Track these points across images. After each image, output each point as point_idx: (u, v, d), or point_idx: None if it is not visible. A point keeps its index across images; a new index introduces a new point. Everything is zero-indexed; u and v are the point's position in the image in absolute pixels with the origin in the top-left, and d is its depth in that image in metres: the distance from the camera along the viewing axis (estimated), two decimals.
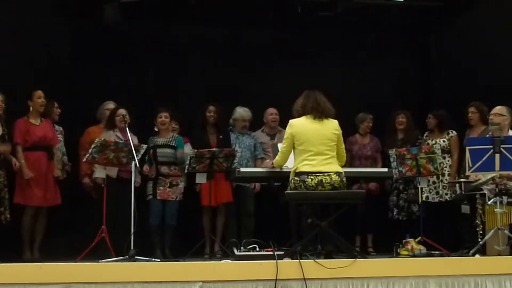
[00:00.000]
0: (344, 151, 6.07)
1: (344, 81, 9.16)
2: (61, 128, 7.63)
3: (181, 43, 9.12)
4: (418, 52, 9.84)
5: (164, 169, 7.32)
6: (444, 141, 7.74)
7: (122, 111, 7.16)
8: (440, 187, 7.65)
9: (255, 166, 7.64)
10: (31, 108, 7.05)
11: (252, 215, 7.68)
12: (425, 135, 7.97)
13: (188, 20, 8.97)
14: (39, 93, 7.07)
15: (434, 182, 7.66)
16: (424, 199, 7.52)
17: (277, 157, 6.10)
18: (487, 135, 6.67)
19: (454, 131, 7.78)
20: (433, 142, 7.74)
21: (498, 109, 6.75)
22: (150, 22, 9.06)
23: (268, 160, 6.53)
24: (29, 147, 6.92)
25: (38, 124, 7.05)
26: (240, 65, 9.13)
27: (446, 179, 7.63)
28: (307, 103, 5.92)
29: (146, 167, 7.19)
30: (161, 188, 7.27)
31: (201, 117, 7.70)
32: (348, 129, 7.95)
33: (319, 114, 5.86)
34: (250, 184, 7.70)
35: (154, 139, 7.41)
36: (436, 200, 7.64)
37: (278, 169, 6.25)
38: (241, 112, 7.90)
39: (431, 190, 7.66)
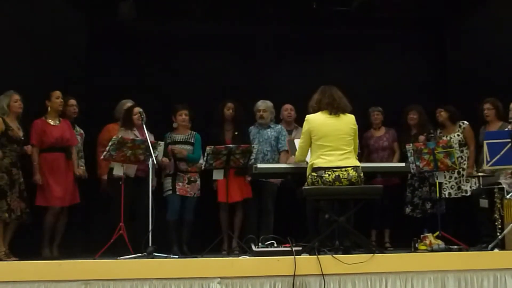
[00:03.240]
0: (358, 146, 6.05)
1: (359, 76, 9.13)
2: (81, 131, 7.64)
3: (195, 40, 9.10)
4: (432, 46, 9.77)
5: (182, 165, 7.37)
6: (458, 135, 7.69)
7: (138, 109, 7.20)
8: (462, 182, 7.59)
9: (279, 159, 7.62)
10: (49, 109, 7.08)
11: (271, 212, 7.58)
12: (438, 132, 7.93)
13: (203, 17, 8.96)
14: (57, 93, 7.10)
15: (455, 178, 7.61)
16: (446, 195, 7.51)
17: (296, 153, 6.11)
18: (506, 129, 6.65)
19: (465, 122, 7.73)
20: (448, 138, 7.68)
21: None
22: (164, 19, 9.08)
23: (292, 157, 6.47)
24: (47, 149, 6.96)
25: (55, 124, 7.08)
26: (254, 61, 9.14)
27: (464, 174, 7.58)
28: (323, 99, 5.91)
29: (165, 159, 7.23)
30: (180, 184, 7.31)
31: (219, 114, 7.71)
32: (363, 124, 7.97)
33: (335, 109, 5.85)
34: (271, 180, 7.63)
35: (172, 135, 7.45)
36: (459, 195, 7.56)
37: (295, 165, 6.25)
38: (258, 103, 7.86)
39: (452, 186, 7.60)
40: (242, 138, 7.56)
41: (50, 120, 7.06)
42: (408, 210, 7.90)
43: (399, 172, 7.33)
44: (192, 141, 7.49)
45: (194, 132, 7.61)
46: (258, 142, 7.57)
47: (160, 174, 7.43)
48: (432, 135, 7.87)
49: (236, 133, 7.62)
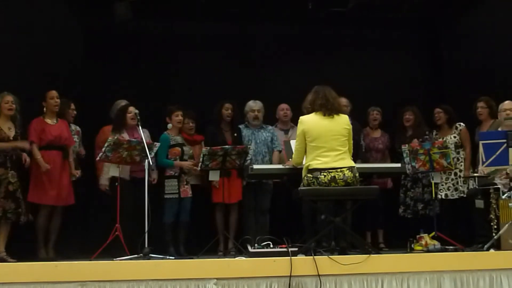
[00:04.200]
0: (352, 146, 6.03)
1: (354, 76, 9.16)
2: (78, 128, 7.65)
3: (192, 40, 9.12)
4: (428, 47, 9.80)
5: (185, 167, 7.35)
6: (455, 137, 7.69)
7: (133, 109, 7.19)
8: (459, 183, 7.60)
9: (272, 158, 7.62)
10: (45, 109, 7.08)
11: (267, 211, 7.59)
12: (434, 133, 7.93)
13: (199, 17, 8.98)
14: (52, 93, 7.10)
15: (452, 179, 7.62)
16: (443, 197, 7.52)
17: (293, 156, 6.09)
18: (499, 129, 6.66)
19: (462, 123, 7.74)
20: (444, 140, 7.69)
21: (508, 103, 6.76)
22: (160, 19, 9.08)
23: (290, 160, 6.46)
24: (44, 146, 6.95)
25: (53, 124, 7.08)
26: (250, 62, 9.14)
27: (461, 175, 7.59)
28: (316, 100, 5.90)
29: (190, 163, 7.26)
30: (182, 186, 7.29)
31: (217, 114, 7.70)
32: (360, 124, 7.98)
33: (329, 110, 5.83)
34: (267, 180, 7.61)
35: (173, 137, 7.39)
36: (456, 196, 7.58)
37: (291, 166, 6.26)
38: (250, 103, 7.85)
39: (449, 188, 7.61)
40: (240, 139, 7.58)
41: (48, 120, 7.06)
42: (400, 210, 7.91)
43: (395, 173, 7.35)
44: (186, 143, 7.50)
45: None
46: (256, 144, 7.58)
47: (162, 174, 7.37)
48: (427, 137, 7.88)
49: (235, 134, 7.62)
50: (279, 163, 7.22)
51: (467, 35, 9.02)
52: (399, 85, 9.34)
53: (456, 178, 7.61)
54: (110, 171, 6.78)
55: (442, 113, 7.83)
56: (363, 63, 9.36)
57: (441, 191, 7.54)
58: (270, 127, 7.88)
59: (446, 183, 7.58)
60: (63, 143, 7.09)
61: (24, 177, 6.80)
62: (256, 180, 7.44)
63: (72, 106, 7.57)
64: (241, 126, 7.82)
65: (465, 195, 7.45)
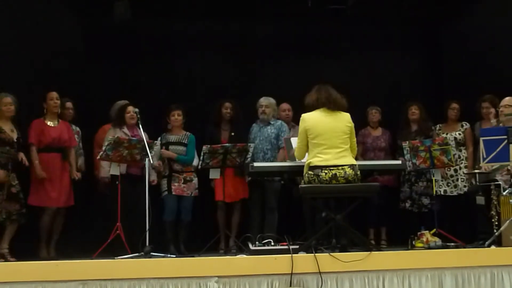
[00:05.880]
0: (356, 144, 6.04)
1: (355, 74, 9.15)
2: (77, 129, 7.63)
3: (192, 39, 9.11)
4: (428, 43, 9.78)
5: (176, 166, 7.39)
6: (459, 134, 7.71)
7: (133, 108, 7.19)
8: (459, 180, 7.63)
9: (278, 156, 7.57)
10: (45, 110, 7.08)
11: (275, 210, 7.49)
12: (437, 128, 7.93)
13: (199, 16, 8.97)
14: (52, 94, 7.08)
15: (452, 176, 7.64)
16: (442, 193, 7.53)
17: (295, 154, 6.08)
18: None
19: (467, 123, 7.76)
20: (447, 135, 7.70)
21: (507, 100, 6.74)
22: (160, 19, 9.08)
23: (292, 151, 6.43)
24: (43, 148, 6.95)
25: (54, 125, 7.07)
26: (249, 60, 9.13)
27: (463, 172, 7.62)
28: (320, 97, 5.90)
29: (159, 162, 7.25)
30: (176, 184, 7.32)
31: (216, 113, 7.70)
32: (360, 123, 7.96)
33: (332, 106, 5.84)
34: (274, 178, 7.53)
35: (166, 136, 7.48)
36: (455, 193, 7.63)
37: (292, 164, 6.25)
38: (260, 99, 7.79)
39: (449, 184, 7.64)
40: (239, 138, 7.53)
41: (48, 121, 7.06)
42: (407, 205, 7.87)
43: (395, 170, 7.34)
44: (185, 141, 7.49)
45: (189, 133, 7.58)
46: (259, 141, 7.56)
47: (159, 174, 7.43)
48: (433, 130, 7.90)
49: (232, 133, 7.61)
50: (283, 161, 7.17)
51: (467, 35, 9.01)
52: (399, 85, 9.33)
53: (456, 175, 7.63)
54: (111, 169, 6.79)
55: (457, 108, 7.85)
56: (363, 62, 9.35)
57: (441, 187, 7.55)
58: (278, 122, 7.76)
59: (445, 179, 7.58)
60: (63, 145, 7.09)
61: (23, 178, 6.80)
62: (261, 178, 7.37)
63: (68, 105, 7.51)
64: (254, 124, 7.80)
65: (462, 193, 7.53)
